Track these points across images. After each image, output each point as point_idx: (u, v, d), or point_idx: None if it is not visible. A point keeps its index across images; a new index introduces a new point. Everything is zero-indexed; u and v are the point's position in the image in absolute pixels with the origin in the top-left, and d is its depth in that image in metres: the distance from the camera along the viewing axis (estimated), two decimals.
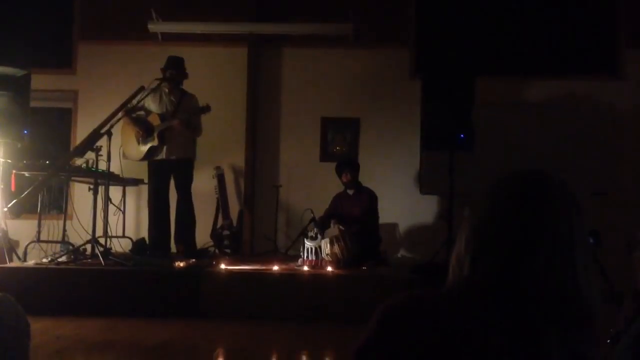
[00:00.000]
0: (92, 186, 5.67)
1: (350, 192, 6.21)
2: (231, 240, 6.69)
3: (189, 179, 6.11)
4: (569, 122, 7.00)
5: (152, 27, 7.18)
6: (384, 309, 0.98)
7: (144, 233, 6.78)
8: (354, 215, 6.04)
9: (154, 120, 5.88)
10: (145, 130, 5.85)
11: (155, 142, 5.84)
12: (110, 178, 5.62)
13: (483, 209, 1.05)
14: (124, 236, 6.61)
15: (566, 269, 0.96)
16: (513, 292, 0.95)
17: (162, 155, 5.91)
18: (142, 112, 6.01)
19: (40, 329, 4.09)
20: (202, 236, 6.37)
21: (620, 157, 6.94)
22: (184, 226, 6.09)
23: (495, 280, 0.96)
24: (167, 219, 6.07)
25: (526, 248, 0.97)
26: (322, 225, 5.95)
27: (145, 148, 5.86)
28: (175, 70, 5.94)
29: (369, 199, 6.12)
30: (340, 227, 5.76)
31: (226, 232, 6.70)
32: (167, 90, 5.99)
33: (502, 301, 0.94)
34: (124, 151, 6.02)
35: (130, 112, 5.91)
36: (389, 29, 7.34)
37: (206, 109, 5.85)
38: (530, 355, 0.91)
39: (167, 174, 6.03)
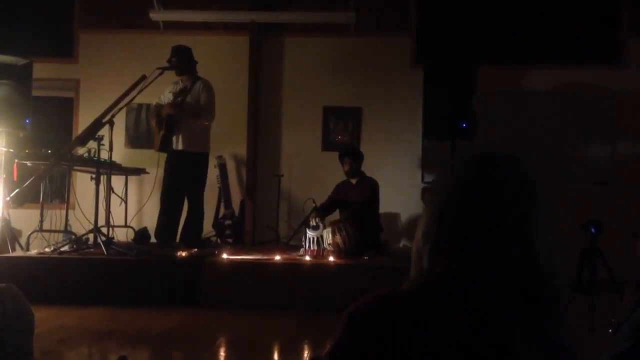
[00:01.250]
0: (94, 176, 5.68)
1: (353, 180, 6.21)
2: (233, 230, 6.70)
3: (198, 174, 6.06)
4: (571, 111, 6.99)
5: (154, 15, 7.16)
6: (349, 313, 0.97)
7: (146, 223, 6.80)
8: (357, 203, 6.04)
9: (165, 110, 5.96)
10: (158, 121, 5.96)
11: (162, 132, 5.90)
12: (112, 167, 5.63)
13: (437, 199, 1.04)
14: (126, 226, 6.63)
15: (525, 251, 0.95)
16: (474, 281, 0.94)
17: (174, 145, 5.95)
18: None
19: (43, 318, 4.11)
20: (204, 226, 6.37)
21: (622, 146, 6.93)
22: (192, 223, 6.09)
23: (456, 272, 0.96)
24: (174, 211, 6.05)
25: (483, 235, 0.96)
26: (323, 213, 5.96)
27: (159, 138, 5.96)
28: (176, 58, 5.95)
29: (371, 188, 6.12)
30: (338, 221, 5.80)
31: (228, 222, 6.71)
32: (180, 81, 6.06)
33: (465, 292, 0.94)
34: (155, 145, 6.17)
35: (157, 107, 6.06)
36: (390, 17, 7.31)
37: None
38: (497, 345, 0.90)
39: (178, 165, 5.99)
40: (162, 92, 6.13)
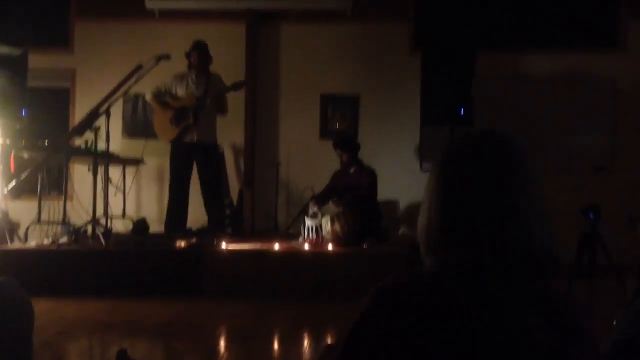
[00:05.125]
0: (91, 166, 5.65)
1: (351, 169, 6.18)
2: (232, 219, 6.69)
3: (215, 162, 6.31)
4: (570, 95, 6.96)
5: (149, 3, 7.08)
6: (373, 293, 1.02)
7: (145, 213, 6.81)
8: (355, 191, 6.02)
9: (190, 101, 5.99)
10: (177, 111, 5.98)
11: (190, 121, 5.97)
12: (109, 158, 5.60)
13: (445, 182, 1.06)
14: (124, 217, 6.61)
15: (534, 224, 1.00)
16: (491, 267, 0.98)
17: (192, 137, 6.01)
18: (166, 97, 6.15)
19: (43, 310, 4.10)
20: (202, 216, 6.36)
21: (621, 131, 6.91)
22: (218, 205, 6.30)
23: (473, 260, 0.99)
24: (186, 200, 6.17)
25: (499, 218, 1.00)
26: (321, 201, 5.94)
27: (178, 128, 6.00)
28: (198, 53, 6.06)
29: (369, 177, 6.09)
30: (340, 206, 5.79)
31: (227, 211, 6.70)
32: (194, 75, 6.12)
33: (482, 279, 0.98)
34: (157, 133, 6.22)
35: (158, 96, 6.09)
36: (387, 3, 7.25)
37: (241, 84, 6.11)
38: (510, 331, 0.94)
39: (191, 157, 6.12)
40: (163, 81, 6.12)
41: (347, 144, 6.21)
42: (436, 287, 0.99)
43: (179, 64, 6.17)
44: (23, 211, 6.47)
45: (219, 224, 6.26)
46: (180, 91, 6.09)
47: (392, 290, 1.01)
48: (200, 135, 6.04)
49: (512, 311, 0.95)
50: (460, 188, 1.03)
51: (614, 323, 1.51)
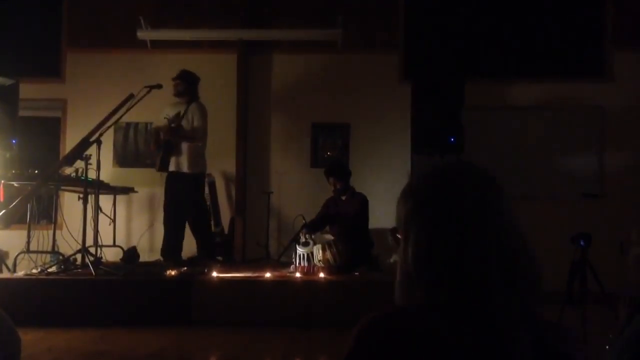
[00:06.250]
0: (81, 195, 5.63)
1: (343, 197, 6.18)
2: (223, 248, 6.67)
3: (193, 194, 6.10)
4: (558, 124, 7.04)
5: (141, 34, 7.14)
6: (359, 328, 1.01)
7: (135, 242, 6.75)
8: (347, 218, 6.02)
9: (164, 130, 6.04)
10: (156, 141, 6.10)
11: (161, 153, 5.99)
12: (100, 187, 5.59)
13: (424, 226, 1.08)
14: (114, 245, 6.56)
15: (516, 251, 1.00)
16: (475, 303, 0.97)
17: (172, 167, 5.99)
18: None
19: (31, 340, 4.05)
20: (193, 244, 6.33)
21: (609, 158, 6.97)
22: (201, 233, 6.18)
23: (455, 294, 0.98)
24: (177, 228, 6.06)
25: (474, 254, 0.99)
26: (313, 229, 5.93)
27: (159, 159, 6.02)
28: (178, 81, 6.06)
29: (360, 204, 6.09)
30: (332, 237, 5.80)
31: (218, 240, 6.67)
32: (181, 103, 6.12)
33: (467, 315, 0.97)
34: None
35: (158, 129, 6.15)
36: (377, 34, 7.34)
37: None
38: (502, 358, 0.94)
39: (174, 186, 6.03)
40: (161, 111, 6.16)
41: (339, 170, 6.23)
42: (426, 318, 0.99)
43: (171, 94, 6.19)
44: (12, 240, 6.43)
45: (208, 252, 6.20)
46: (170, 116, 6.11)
47: (375, 325, 1.00)
48: (178, 166, 5.99)
49: (504, 338, 0.94)
50: (452, 219, 1.03)
51: (607, 348, 1.50)
